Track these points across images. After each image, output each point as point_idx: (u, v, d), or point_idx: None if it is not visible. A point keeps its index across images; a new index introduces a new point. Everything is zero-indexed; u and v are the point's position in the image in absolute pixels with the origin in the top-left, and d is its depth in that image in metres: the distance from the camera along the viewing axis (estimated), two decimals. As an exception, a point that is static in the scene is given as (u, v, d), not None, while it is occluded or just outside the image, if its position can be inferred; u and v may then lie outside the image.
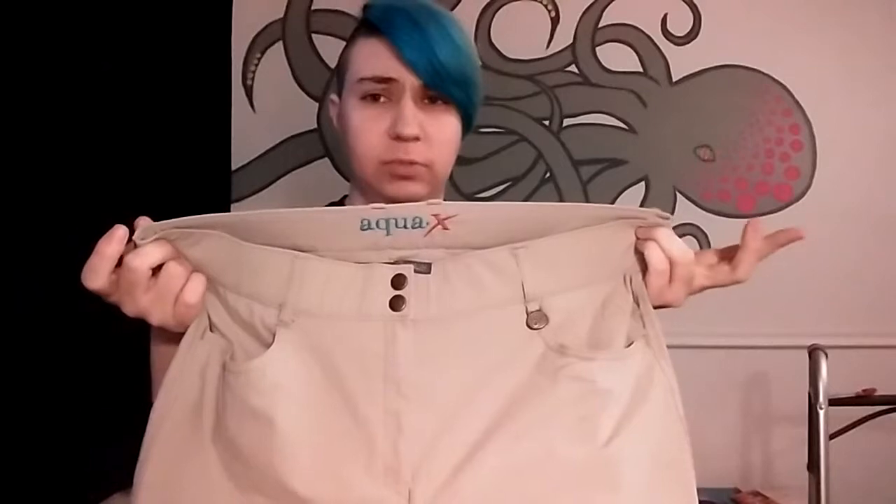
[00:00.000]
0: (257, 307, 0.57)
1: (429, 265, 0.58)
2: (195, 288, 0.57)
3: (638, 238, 0.60)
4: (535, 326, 0.58)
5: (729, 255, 0.65)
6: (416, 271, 0.58)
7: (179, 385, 0.57)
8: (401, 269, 0.58)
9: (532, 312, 0.58)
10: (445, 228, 0.58)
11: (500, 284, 0.58)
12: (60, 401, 1.08)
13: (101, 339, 1.09)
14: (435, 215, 0.57)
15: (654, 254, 0.59)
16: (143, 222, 0.56)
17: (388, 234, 0.57)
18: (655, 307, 0.61)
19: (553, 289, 0.59)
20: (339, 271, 0.58)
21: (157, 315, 0.57)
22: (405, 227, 0.57)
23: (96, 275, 0.55)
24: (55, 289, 1.07)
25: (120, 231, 0.55)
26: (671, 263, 0.60)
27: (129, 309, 0.57)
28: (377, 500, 0.54)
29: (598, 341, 0.58)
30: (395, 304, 0.57)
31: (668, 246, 0.60)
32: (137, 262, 0.55)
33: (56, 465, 1.07)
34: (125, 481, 1.06)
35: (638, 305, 0.60)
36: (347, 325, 0.57)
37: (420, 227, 0.57)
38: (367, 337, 0.56)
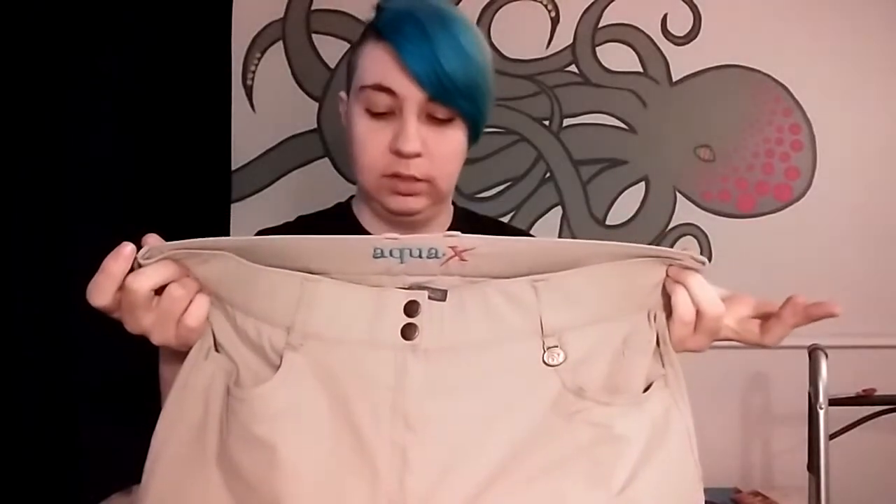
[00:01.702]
0: (266, 328, 0.56)
1: (444, 292, 0.56)
2: (197, 312, 0.56)
3: (668, 277, 0.58)
4: (552, 363, 0.55)
5: (761, 313, 0.62)
6: (430, 298, 0.56)
7: (182, 406, 0.56)
8: (415, 295, 0.56)
9: (549, 348, 0.56)
10: (463, 260, 0.56)
11: (517, 317, 0.56)
12: (61, 401, 1.08)
13: (103, 338, 1.09)
14: (452, 247, 0.55)
15: (681, 302, 0.57)
16: (152, 240, 0.55)
17: (401, 262, 0.56)
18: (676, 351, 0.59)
19: (573, 324, 0.56)
20: (350, 295, 0.56)
21: (159, 336, 0.56)
22: (420, 256, 0.56)
23: (101, 293, 0.54)
24: (55, 288, 1.07)
25: (127, 249, 0.54)
26: (698, 315, 0.57)
27: (131, 328, 0.56)
28: None
29: (617, 384, 0.56)
30: (408, 332, 0.55)
31: (699, 296, 0.57)
32: (138, 284, 0.54)
33: (56, 464, 1.07)
34: (125, 482, 1.06)
35: (658, 344, 0.58)
36: (357, 351, 0.55)
37: (436, 257, 0.56)
38: (376, 366, 0.54)
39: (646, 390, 0.56)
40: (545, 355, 0.56)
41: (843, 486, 1.14)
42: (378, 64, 0.73)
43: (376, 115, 0.74)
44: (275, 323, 0.56)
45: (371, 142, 0.74)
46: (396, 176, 0.74)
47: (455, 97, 0.72)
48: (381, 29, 0.74)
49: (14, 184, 1.05)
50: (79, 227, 1.07)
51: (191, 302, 0.56)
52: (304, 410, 0.54)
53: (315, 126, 1.41)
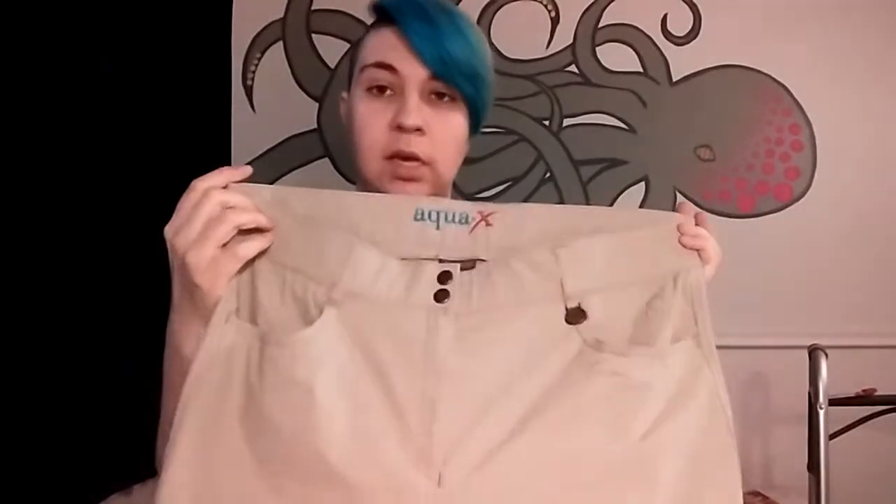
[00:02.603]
0: (312, 285, 0.60)
1: (473, 262, 0.61)
2: (245, 251, 0.60)
3: (684, 235, 0.63)
4: (574, 323, 0.59)
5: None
6: (462, 269, 0.61)
7: (205, 370, 0.58)
8: (448, 266, 0.61)
9: (571, 309, 0.60)
10: (489, 224, 0.62)
11: (540, 282, 0.60)
12: (61, 401, 1.08)
13: (103, 339, 1.10)
14: (479, 211, 0.62)
15: (713, 250, 0.65)
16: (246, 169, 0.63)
17: (437, 227, 0.62)
18: None
19: (593, 287, 0.60)
20: (392, 263, 0.61)
21: (195, 255, 0.58)
22: (454, 221, 0.62)
23: (209, 179, 0.61)
24: (55, 287, 1.07)
25: (247, 168, 0.63)
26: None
27: (176, 228, 0.59)
28: (407, 481, 0.54)
29: (638, 339, 0.59)
30: (440, 296, 0.60)
31: (713, 240, 0.65)
32: (229, 198, 0.60)
33: (56, 464, 1.07)
34: (125, 482, 1.06)
35: (690, 305, 0.61)
36: (393, 310, 0.59)
37: (466, 223, 0.62)
38: (409, 324, 0.59)
39: (673, 345, 0.59)
40: (567, 315, 0.60)
41: (843, 486, 1.14)
42: (381, 43, 0.75)
43: (378, 96, 0.75)
44: (321, 281, 0.60)
45: (372, 121, 0.75)
46: (398, 156, 0.74)
47: (456, 76, 0.74)
48: (385, 11, 0.76)
49: (15, 184, 1.05)
50: (79, 228, 1.07)
51: (252, 232, 0.61)
52: (339, 361, 0.57)
53: (315, 126, 1.41)
